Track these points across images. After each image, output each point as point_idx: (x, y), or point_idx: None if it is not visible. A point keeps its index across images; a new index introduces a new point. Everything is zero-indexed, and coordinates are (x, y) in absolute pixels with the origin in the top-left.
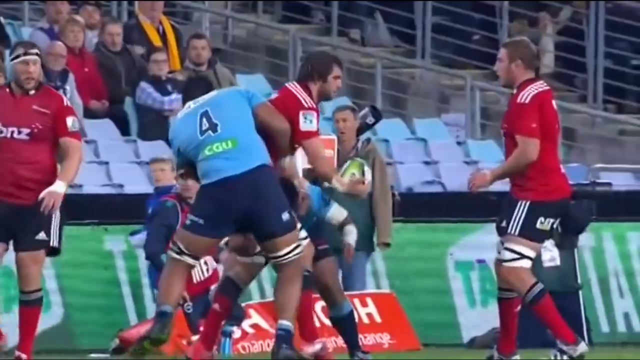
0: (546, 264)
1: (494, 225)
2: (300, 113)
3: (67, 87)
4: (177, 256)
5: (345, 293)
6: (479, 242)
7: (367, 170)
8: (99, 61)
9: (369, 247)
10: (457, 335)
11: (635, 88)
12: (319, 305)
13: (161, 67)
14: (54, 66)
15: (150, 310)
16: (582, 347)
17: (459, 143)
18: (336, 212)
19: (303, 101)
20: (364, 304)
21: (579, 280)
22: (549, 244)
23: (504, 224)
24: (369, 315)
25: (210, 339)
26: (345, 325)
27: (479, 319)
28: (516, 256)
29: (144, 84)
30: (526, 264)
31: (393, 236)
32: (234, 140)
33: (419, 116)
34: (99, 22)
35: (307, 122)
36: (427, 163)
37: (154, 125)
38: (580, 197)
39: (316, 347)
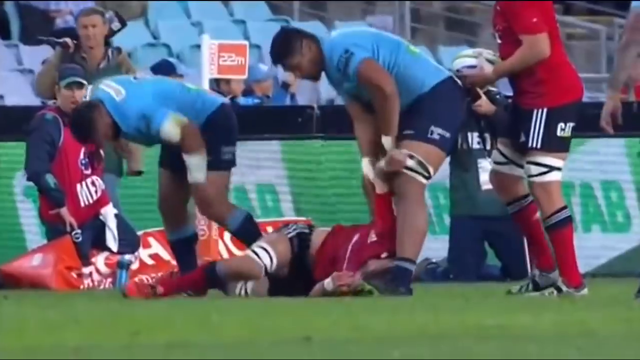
0: (484, 186)
1: None
2: None
3: None
4: (426, 181)
5: None
6: None
7: None
8: None
9: (119, 171)
10: None
11: None
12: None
13: None
14: None
15: (30, 240)
16: (584, 293)
17: None
18: None
19: None
20: None
21: None
22: (486, 162)
23: (522, 138)
24: None
25: None
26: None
27: None
28: (544, 169)
29: None
30: (557, 176)
31: None
32: None
33: (340, 19)
34: None
35: None
36: None
37: (39, 27)
38: None
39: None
